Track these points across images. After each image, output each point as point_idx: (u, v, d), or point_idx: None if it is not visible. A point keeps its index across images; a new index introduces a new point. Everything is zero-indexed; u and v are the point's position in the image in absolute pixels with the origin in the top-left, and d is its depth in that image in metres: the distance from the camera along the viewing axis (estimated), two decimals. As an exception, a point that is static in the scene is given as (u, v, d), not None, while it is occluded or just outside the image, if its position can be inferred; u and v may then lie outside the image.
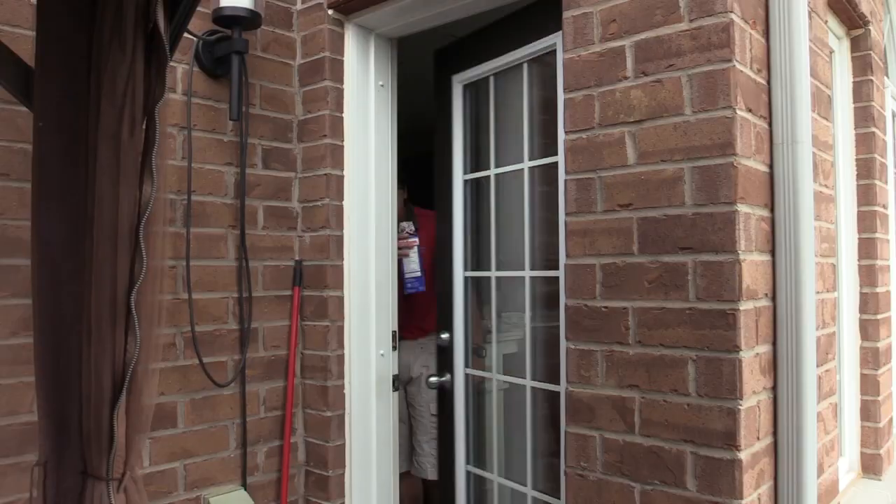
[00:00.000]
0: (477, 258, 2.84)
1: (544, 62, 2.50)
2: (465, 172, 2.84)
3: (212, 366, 2.57)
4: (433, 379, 2.92)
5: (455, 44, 2.88)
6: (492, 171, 2.72)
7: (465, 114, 2.88)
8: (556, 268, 2.26)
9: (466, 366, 2.84)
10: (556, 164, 2.28)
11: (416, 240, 3.49)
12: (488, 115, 2.76)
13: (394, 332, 3.02)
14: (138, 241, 1.21)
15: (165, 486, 2.46)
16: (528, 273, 2.55)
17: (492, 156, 2.73)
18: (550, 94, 2.36)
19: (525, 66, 2.58)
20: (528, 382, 2.53)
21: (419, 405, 3.63)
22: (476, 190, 2.84)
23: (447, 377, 2.88)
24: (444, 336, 2.90)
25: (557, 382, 2.32)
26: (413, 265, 3.47)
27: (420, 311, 3.57)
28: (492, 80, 2.73)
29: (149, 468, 2.40)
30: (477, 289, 2.86)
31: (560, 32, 2.14)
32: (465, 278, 2.84)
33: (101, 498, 1.22)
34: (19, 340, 2.09)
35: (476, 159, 2.84)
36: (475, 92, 2.85)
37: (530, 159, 2.54)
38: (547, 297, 2.48)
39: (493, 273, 2.74)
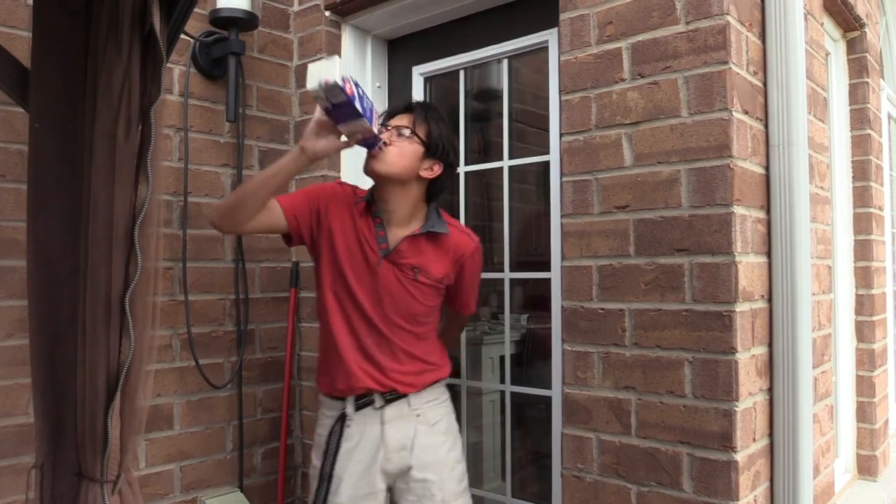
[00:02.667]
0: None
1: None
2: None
3: (208, 367, 2.57)
4: None
5: (417, 34, 2.87)
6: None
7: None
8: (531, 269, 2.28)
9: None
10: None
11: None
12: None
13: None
14: (133, 242, 1.20)
15: (161, 487, 2.45)
16: (507, 275, 2.54)
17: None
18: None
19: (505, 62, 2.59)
20: (508, 388, 2.52)
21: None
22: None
23: None
24: None
25: (537, 386, 2.34)
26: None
27: (398, 347, 2.05)
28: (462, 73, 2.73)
29: (145, 470, 2.40)
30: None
31: (546, 32, 2.15)
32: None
33: (95, 500, 1.22)
34: (15, 342, 2.09)
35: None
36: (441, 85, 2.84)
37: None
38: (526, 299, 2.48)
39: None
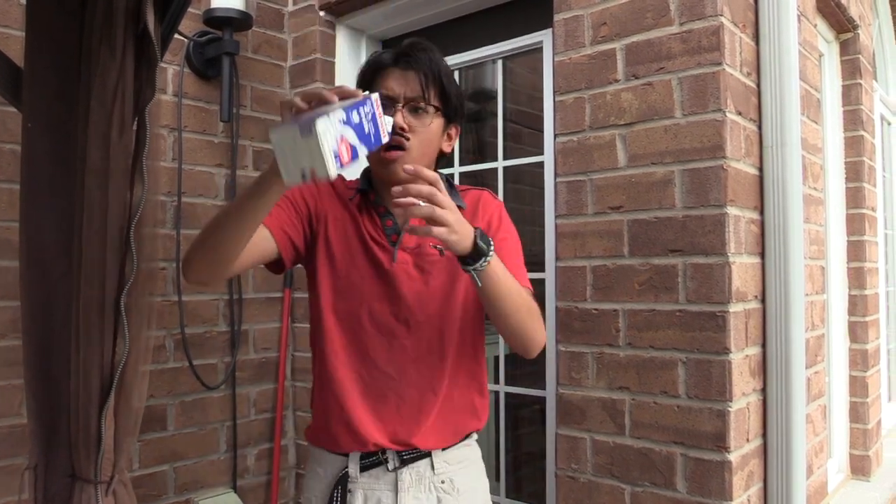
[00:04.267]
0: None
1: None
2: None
3: (202, 368, 2.56)
4: None
5: (412, 35, 2.86)
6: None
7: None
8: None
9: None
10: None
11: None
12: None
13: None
14: (129, 242, 1.20)
15: (155, 488, 2.44)
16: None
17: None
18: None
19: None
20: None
21: None
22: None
23: None
24: None
25: (531, 387, 2.34)
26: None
27: (426, 384, 1.51)
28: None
29: (138, 471, 2.39)
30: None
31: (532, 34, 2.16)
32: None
33: (89, 501, 1.21)
34: (8, 343, 2.08)
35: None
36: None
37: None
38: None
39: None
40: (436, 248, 1.50)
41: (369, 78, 1.52)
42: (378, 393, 1.49)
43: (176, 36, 2.26)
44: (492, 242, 1.34)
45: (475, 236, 1.30)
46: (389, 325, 1.50)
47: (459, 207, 1.46)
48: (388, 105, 1.44)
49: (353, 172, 1.40)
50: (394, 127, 1.39)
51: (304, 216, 1.52)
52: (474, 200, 1.60)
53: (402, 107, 1.47)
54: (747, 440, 1.83)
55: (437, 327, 1.51)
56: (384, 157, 1.45)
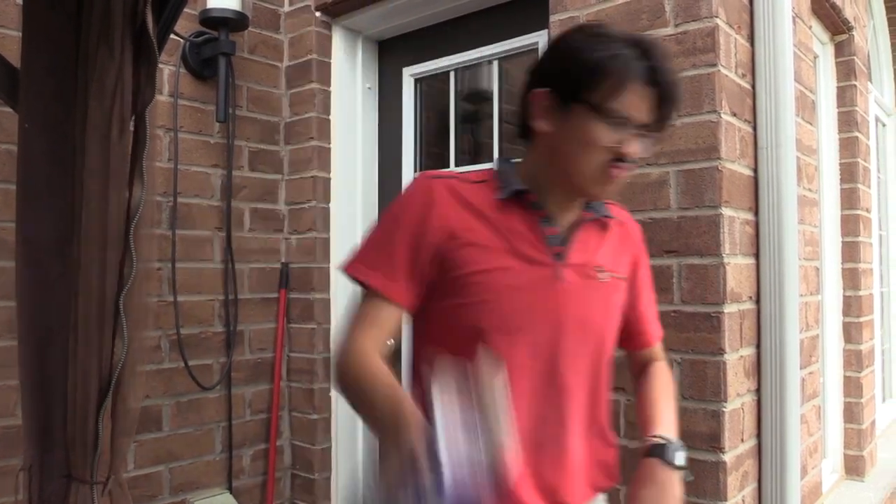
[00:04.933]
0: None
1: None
2: (414, 170, 2.83)
3: (197, 368, 2.56)
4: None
5: (408, 35, 2.88)
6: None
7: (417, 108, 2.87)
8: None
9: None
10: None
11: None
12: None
13: None
14: (128, 243, 1.20)
15: (150, 489, 2.44)
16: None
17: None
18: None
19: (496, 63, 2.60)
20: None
21: None
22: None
23: None
24: None
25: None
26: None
27: (577, 415, 1.27)
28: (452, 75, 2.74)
29: (133, 472, 2.39)
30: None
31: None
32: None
33: (85, 502, 1.21)
34: (4, 343, 2.07)
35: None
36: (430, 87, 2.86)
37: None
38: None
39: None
40: (597, 269, 1.28)
41: (616, 85, 1.16)
42: (535, 440, 1.21)
43: (172, 36, 2.26)
44: (684, 459, 1.34)
45: (683, 471, 1.31)
46: (552, 355, 1.23)
47: (607, 217, 1.34)
48: (621, 125, 1.17)
49: None
50: (624, 154, 1.19)
51: (426, 258, 1.22)
52: (624, 218, 1.41)
53: (639, 133, 1.20)
54: (742, 440, 1.83)
55: (594, 361, 1.28)
56: (613, 172, 1.20)
